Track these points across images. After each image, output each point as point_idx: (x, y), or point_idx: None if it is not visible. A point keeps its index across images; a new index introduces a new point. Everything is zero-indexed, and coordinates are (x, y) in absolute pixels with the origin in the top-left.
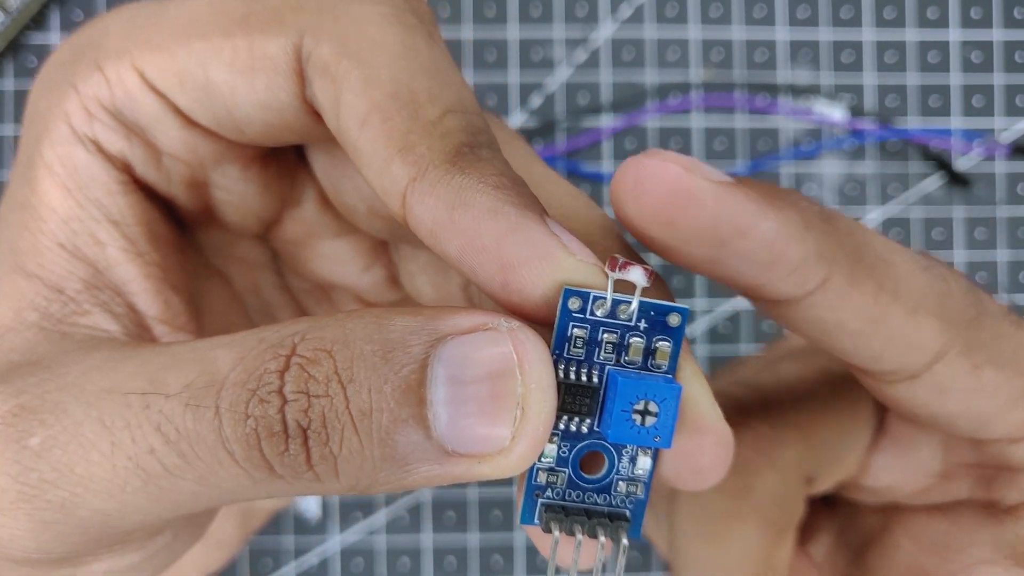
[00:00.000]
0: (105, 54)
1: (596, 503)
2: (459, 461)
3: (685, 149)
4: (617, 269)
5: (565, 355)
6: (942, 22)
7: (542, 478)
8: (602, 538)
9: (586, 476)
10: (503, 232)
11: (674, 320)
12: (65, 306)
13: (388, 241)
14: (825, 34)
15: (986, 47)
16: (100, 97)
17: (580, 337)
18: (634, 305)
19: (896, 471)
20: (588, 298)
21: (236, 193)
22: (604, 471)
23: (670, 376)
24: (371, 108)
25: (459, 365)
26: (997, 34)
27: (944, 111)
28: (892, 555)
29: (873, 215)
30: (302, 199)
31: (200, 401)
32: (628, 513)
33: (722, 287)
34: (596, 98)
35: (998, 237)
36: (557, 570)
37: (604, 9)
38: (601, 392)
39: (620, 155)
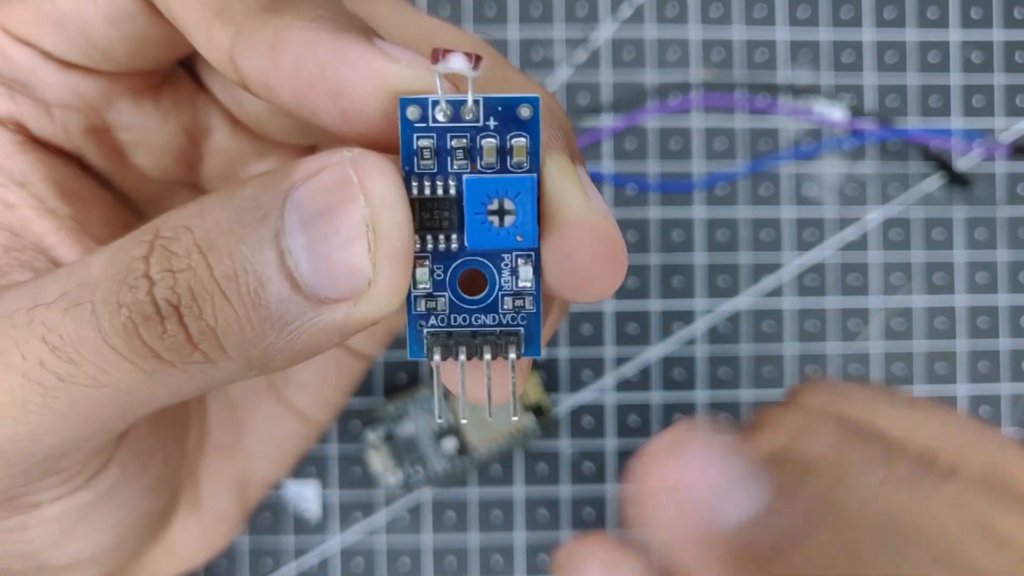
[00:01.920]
0: None
1: (485, 324)
2: (337, 307)
3: (685, 149)
4: (440, 58)
5: (416, 170)
6: (942, 22)
7: (421, 305)
8: (487, 356)
9: (468, 297)
10: (324, 60)
11: (525, 112)
12: None
13: (314, 146)
14: (825, 34)
15: (986, 47)
16: None
17: (427, 148)
18: (469, 99)
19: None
20: (426, 104)
21: (137, 130)
22: (487, 290)
23: (533, 175)
24: None
25: (306, 205)
26: (997, 34)
27: (944, 111)
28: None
29: (873, 215)
30: (211, 126)
31: (76, 301)
32: (522, 330)
33: (724, 283)
34: (596, 98)
35: (998, 237)
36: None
37: (604, 9)
38: (461, 202)
39: (620, 155)
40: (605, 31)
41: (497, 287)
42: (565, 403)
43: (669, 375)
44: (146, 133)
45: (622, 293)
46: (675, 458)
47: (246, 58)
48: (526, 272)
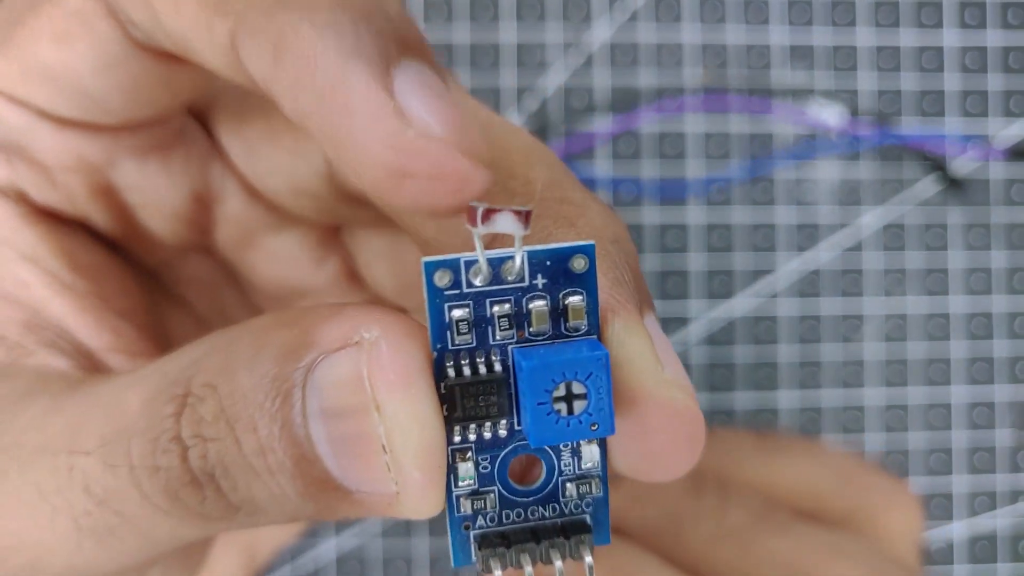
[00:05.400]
0: None
1: (544, 517)
2: (374, 498)
3: (681, 152)
4: (479, 221)
5: (452, 346)
6: (937, 25)
7: (466, 506)
8: (558, 562)
9: (521, 488)
10: (321, 92)
11: (579, 264)
12: (10, 352)
13: (340, 227)
14: (821, 37)
15: (981, 50)
16: None
17: (463, 320)
18: (518, 261)
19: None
20: (458, 267)
21: (145, 191)
22: (544, 476)
23: (594, 337)
24: None
25: (324, 396)
26: (992, 38)
27: (940, 115)
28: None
29: (869, 218)
30: (224, 193)
31: (114, 459)
32: (587, 519)
33: (720, 287)
34: (592, 101)
35: (994, 241)
36: None
37: (600, 11)
38: (511, 380)
39: (616, 158)
40: (601, 33)
41: (556, 472)
42: None
43: None
44: (154, 195)
45: None
46: None
47: (249, 56)
48: (591, 453)
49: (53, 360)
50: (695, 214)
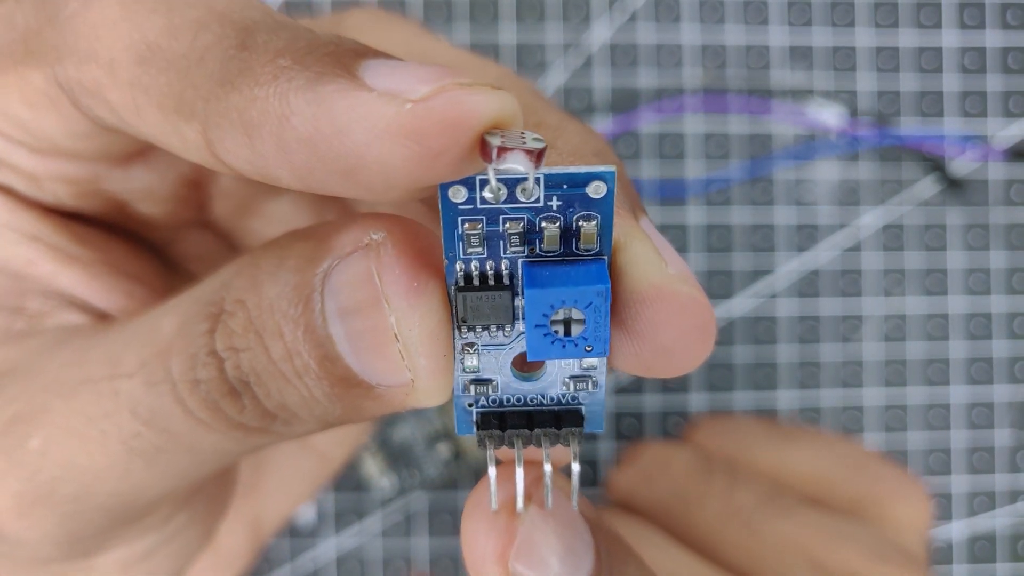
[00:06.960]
0: None
1: (542, 404)
2: (393, 391)
3: (681, 152)
4: (492, 158)
5: (463, 256)
6: (936, 26)
7: (470, 389)
8: (546, 450)
9: (524, 376)
10: (310, 136)
11: (597, 189)
12: (30, 320)
13: None
14: (820, 38)
15: (980, 51)
16: None
17: (475, 234)
18: (531, 183)
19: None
20: (472, 184)
21: (132, 190)
22: (545, 371)
23: (603, 259)
24: (131, 87)
25: (340, 296)
26: (991, 38)
27: (939, 115)
28: None
29: (868, 219)
30: (214, 172)
31: (156, 378)
32: (583, 409)
33: (720, 287)
34: (592, 101)
35: (993, 241)
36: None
37: (600, 12)
38: (520, 291)
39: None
40: (601, 34)
41: (558, 369)
42: None
43: (663, 380)
44: (143, 190)
45: None
46: (501, 530)
47: (228, 153)
48: (591, 360)
49: (73, 317)
50: (695, 214)
